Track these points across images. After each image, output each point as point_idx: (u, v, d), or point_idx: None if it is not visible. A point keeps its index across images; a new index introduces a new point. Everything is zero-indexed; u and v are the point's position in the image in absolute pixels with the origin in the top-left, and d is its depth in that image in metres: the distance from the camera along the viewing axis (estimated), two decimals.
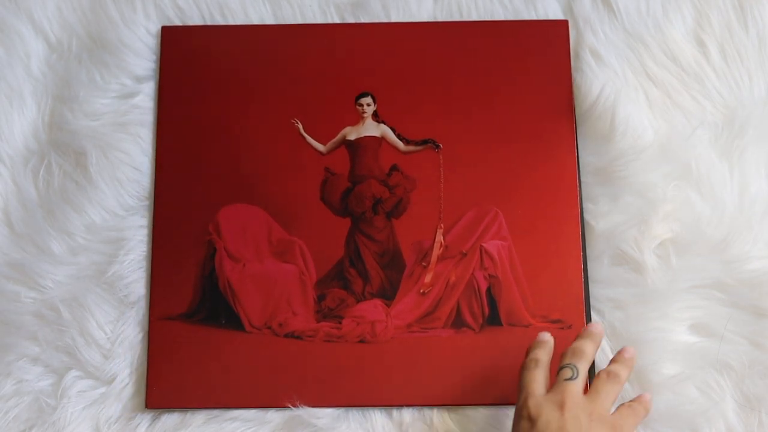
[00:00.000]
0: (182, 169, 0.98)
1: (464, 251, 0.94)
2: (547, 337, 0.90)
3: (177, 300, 0.94)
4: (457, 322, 0.93)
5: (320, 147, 0.97)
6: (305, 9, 1.04)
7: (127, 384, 0.94)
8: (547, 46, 1.00)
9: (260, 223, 0.96)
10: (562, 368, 0.86)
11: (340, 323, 0.93)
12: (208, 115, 0.99)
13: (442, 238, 0.94)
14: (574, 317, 0.93)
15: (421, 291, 0.94)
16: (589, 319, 0.93)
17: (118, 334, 0.95)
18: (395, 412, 0.92)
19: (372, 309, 0.93)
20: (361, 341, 0.93)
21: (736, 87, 1.01)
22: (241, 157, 0.98)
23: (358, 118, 0.98)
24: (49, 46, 1.04)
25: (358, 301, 0.94)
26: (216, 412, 0.93)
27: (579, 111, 1.00)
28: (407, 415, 0.92)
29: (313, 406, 0.92)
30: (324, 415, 0.92)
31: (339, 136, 0.98)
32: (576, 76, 1.01)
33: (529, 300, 0.93)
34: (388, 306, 0.94)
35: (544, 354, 0.88)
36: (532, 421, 0.83)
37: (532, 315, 0.93)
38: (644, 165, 0.98)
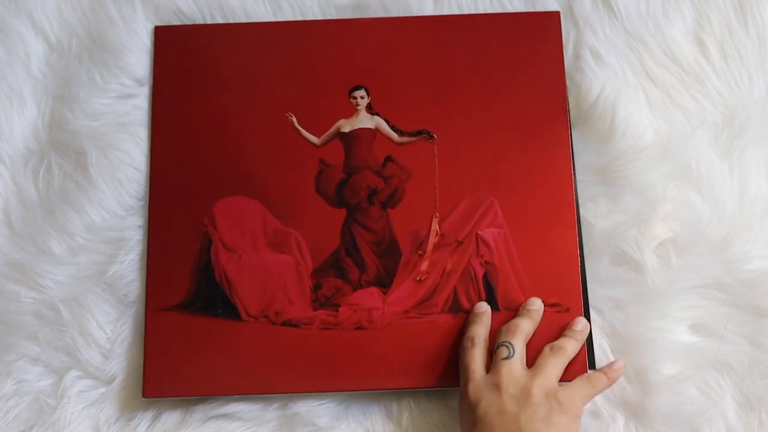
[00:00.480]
0: (177, 162, 0.98)
1: (460, 239, 0.95)
2: (483, 308, 0.91)
3: (173, 291, 0.94)
4: (454, 307, 0.93)
5: (314, 139, 0.98)
6: (306, 10, 1.04)
7: (128, 384, 0.94)
8: (539, 37, 1.00)
9: (255, 214, 0.96)
10: (498, 347, 0.87)
11: (337, 311, 0.93)
12: (202, 110, 0.99)
13: (437, 226, 0.95)
14: (571, 300, 0.93)
15: (418, 278, 0.94)
16: (586, 302, 0.93)
17: (118, 334, 0.95)
18: (395, 409, 0.92)
19: (368, 297, 0.94)
20: (358, 328, 0.93)
21: (736, 87, 1.01)
22: (235, 150, 0.98)
23: (352, 111, 0.98)
24: (49, 46, 1.04)
25: (354, 290, 0.94)
26: (216, 409, 0.93)
27: (579, 111, 1.00)
28: (406, 413, 0.92)
29: (311, 392, 0.92)
30: (324, 414, 0.92)
31: (333, 129, 0.98)
32: (576, 76, 1.01)
33: (526, 285, 0.93)
34: (385, 293, 0.94)
35: (480, 329, 0.89)
36: (472, 407, 0.83)
37: (527, 296, 0.93)
38: (644, 165, 0.97)
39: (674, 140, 0.99)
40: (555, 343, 0.88)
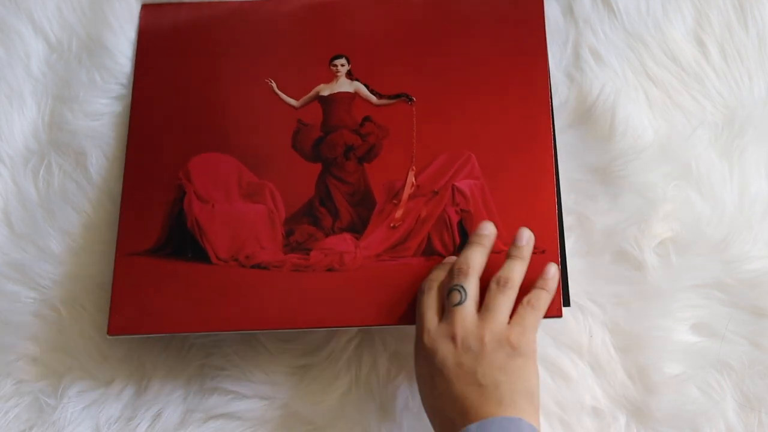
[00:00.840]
0: (156, 122, 0.98)
1: (436, 190, 0.94)
2: (451, 259, 0.90)
3: (144, 238, 0.94)
4: (428, 250, 0.92)
5: (293, 102, 0.98)
6: None
7: (127, 384, 0.94)
8: (523, 12, 1.00)
9: (231, 168, 0.96)
10: (450, 292, 0.85)
11: (308, 255, 0.93)
12: (183, 76, 1.00)
13: (413, 178, 0.94)
14: (547, 242, 0.91)
15: (392, 225, 0.93)
16: (563, 244, 0.92)
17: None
18: (392, 408, 0.92)
19: (341, 242, 0.93)
20: (330, 270, 0.92)
21: (736, 87, 1.01)
22: (214, 111, 0.98)
23: (332, 77, 0.99)
24: (49, 46, 1.04)
25: (327, 236, 0.94)
26: (216, 409, 0.93)
27: (579, 111, 1.00)
28: (405, 413, 0.92)
29: (280, 328, 0.91)
30: (323, 413, 0.92)
31: (312, 93, 0.99)
32: (576, 76, 1.01)
33: (502, 230, 0.91)
34: (358, 239, 0.94)
35: (438, 273, 0.88)
36: (429, 358, 0.82)
37: (504, 243, 0.91)
38: (644, 165, 0.97)
39: (674, 140, 0.99)
40: (500, 274, 0.85)
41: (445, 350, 0.82)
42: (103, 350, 0.95)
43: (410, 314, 0.90)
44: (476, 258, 0.86)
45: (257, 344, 0.95)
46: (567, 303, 0.91)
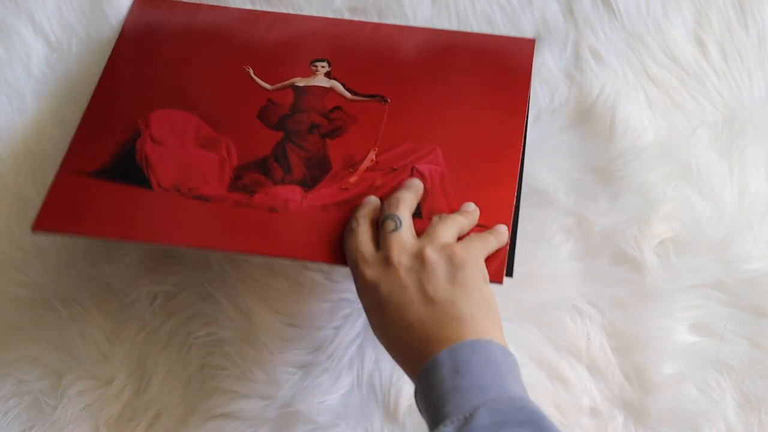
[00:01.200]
0: (129, 77, 0.99)
1: (395, 167, 0.93)
2: (372, 199, 0.87)
3: (90, 163, 0.93)
4: None
5: (267, 86, 0.98)
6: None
7: (127, 384, 0.94)
8: (511, 51, 0.99)
9: (191, 123, 0.96)
10: (383, 222, 0.82)
11: (252, 196, 0.92)
12: (165, 50, 1.01)
13: (374, 156, 0.94)
14: (499, 222, 0.88)
15: (343, 187, 0.92)
16: (515, 225, 0.90)
17: (118, 335, 0.95)
18: (394, 408, 0.92)
19: (288, 191, 0.91)
20: (272, 210, 0.91)
21: (736, 87, 1.01)
22: (187, 83, 0.99)
23: (310, 74, 0.99)
24: (49, 46, 1.04)
25: (275, 185, 0.92)
26: (216, 409, 0.93)
27: (579, 111, 1.00)
28: (406, 413, 0.92)
29: (208, 248, 0.90)
30: (324, 412, 0.92)
31: (288, 82, 0.98)
32: (576, 76, 1.01)
33: (456, 208, 0.89)
34: (306, 192, 0.92)
35: (364, 211, 0.85)
36: (373, 291, 0.79)
37: None
38: (644, 165, 0.98)
39: (674, 140, 0.99)
40: (444, 214, 0.85)
41: (387, 278, 0.78)
42: (103, 350, 0.95)
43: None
44: (406, 194, 0.85)
45: (258, 343, 0.95)
46: (510, 273, 0.88)
